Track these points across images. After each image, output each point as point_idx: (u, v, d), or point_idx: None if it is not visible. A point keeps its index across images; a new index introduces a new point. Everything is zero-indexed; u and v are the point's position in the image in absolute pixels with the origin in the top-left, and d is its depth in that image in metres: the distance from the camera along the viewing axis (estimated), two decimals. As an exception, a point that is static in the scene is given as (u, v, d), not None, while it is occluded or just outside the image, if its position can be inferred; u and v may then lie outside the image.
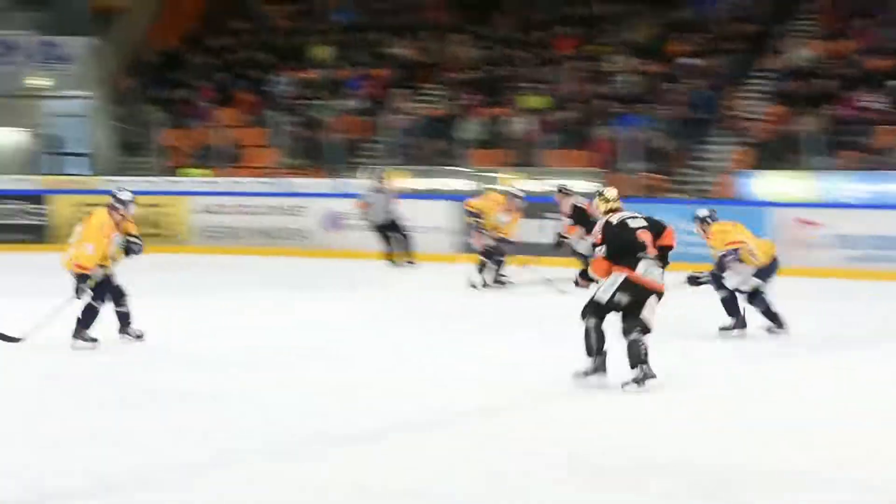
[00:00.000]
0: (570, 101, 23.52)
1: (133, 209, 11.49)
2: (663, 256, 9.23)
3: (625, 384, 8.99)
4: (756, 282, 11.82)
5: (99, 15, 30.77)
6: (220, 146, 24.76)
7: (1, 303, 13.86)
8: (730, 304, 11.94)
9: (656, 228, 9.27)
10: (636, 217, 9.31)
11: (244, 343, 11.62)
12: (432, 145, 23.63)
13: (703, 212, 12.26)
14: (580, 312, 9.15)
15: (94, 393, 9.34)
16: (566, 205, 15.88)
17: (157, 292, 14.45)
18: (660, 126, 22.06)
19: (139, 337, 11.58)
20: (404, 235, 19.10)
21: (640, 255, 9.07)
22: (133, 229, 11.51)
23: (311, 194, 21.71)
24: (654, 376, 9.02)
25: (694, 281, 11.93)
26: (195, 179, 23.99)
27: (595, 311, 9.10)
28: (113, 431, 7.95)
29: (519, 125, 23.25)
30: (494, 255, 16.06)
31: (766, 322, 11.90)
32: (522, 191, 17.06)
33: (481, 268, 16.10)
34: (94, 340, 11.25)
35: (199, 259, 20.59)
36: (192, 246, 22.17)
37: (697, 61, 23.32)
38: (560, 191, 16.14)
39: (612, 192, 9.62)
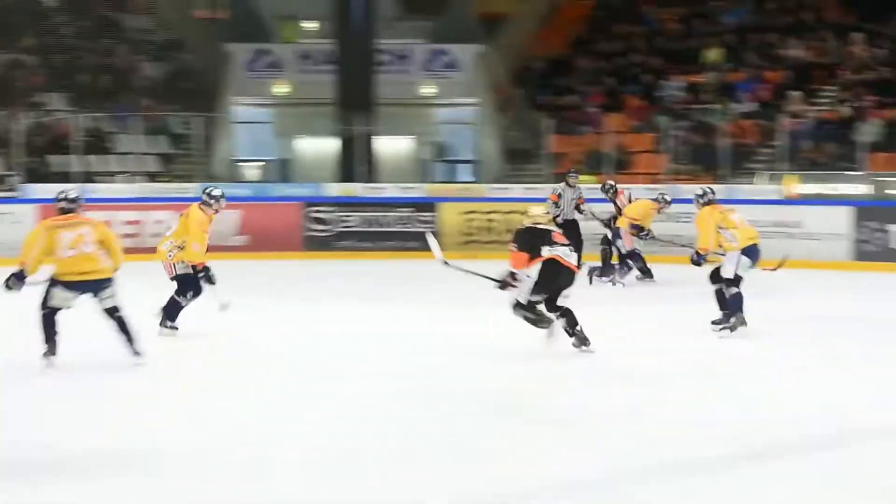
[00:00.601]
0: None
1: (224, 205, 12.90)
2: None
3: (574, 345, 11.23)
4: (748, 263, 12.59)
5: (486, 22, 31.75)
6: (608, 152, 25.08)
7: (394, 309, 14.60)
8: (721, 298, 12.68)
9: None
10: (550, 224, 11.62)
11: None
12: (828, 149, 23.26)
13: (698, 190, 13.31)
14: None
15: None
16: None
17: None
18: None
19: (174, 329, 12.65)
20: (579, 239, 19.58)
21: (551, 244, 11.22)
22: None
23: (702, 200, 21.70)
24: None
25: (697, 260, 12.86)
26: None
27: (519, 306, 11.30)
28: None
29: (920, 127, 22.67)
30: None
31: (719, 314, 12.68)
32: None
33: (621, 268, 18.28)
34: (175, 329, 12.61)
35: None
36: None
37: None
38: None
39: (536, 210, 11.57)
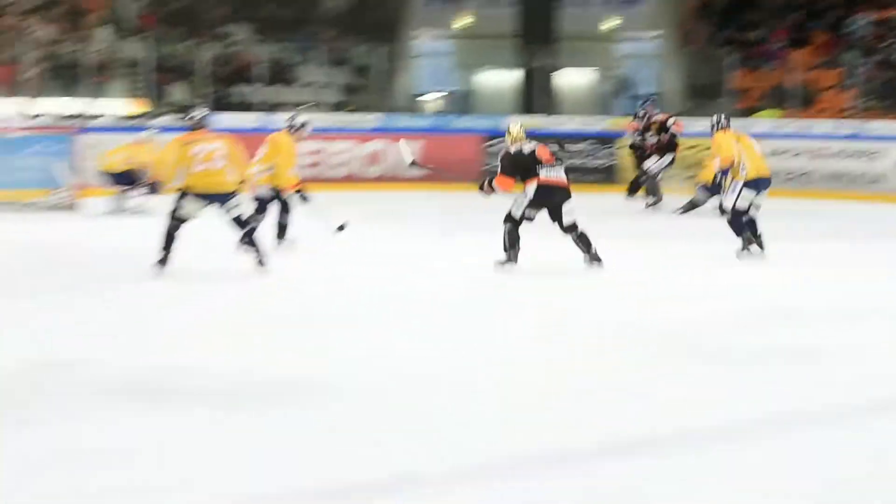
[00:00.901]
0: None
1: (308, 131, 13.85)
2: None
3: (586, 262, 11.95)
4: (751, 195, 12.87)
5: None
6: (792, 88, 24.73)
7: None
8: (735, 225, 12.98)
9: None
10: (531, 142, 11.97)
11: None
12: None
13: (715, 117, 13.60)
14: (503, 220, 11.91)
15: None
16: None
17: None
18: None
19: (292, 242, 13.53)
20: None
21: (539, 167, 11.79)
22: None
23: (888, 138, 21.34)
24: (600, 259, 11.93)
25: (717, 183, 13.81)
26: (766, 122, 24.10)
27: (511, 220, 11.87)
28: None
29: None
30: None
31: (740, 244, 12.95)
32: None
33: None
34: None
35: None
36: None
37: None
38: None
39: (515, 127, 12.14)
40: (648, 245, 14.56)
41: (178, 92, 24.87)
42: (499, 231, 11.83)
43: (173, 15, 27.25)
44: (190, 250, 11.63)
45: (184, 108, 23.19)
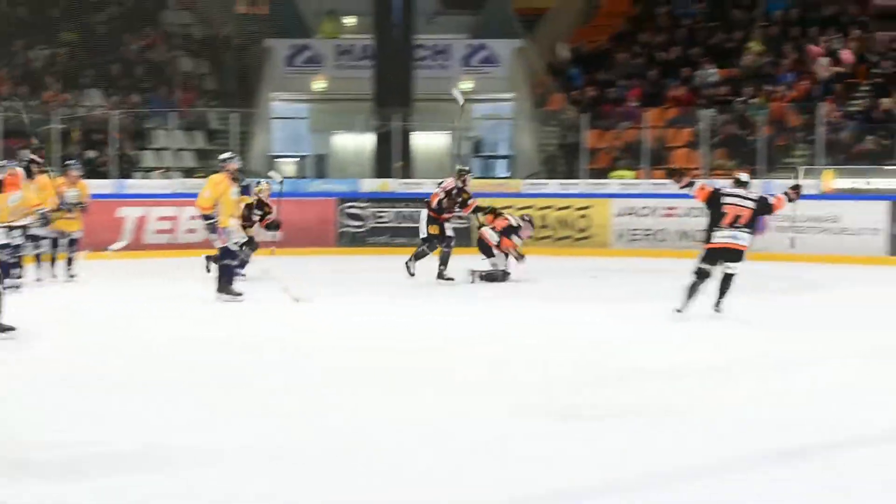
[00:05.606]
0: None
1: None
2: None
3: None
4: None
5: (525, 17, 31.55)
6: (646, 147, 24.88)
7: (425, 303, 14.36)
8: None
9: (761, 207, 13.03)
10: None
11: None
12: (868, 144, 23.05)
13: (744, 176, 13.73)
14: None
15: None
16: None
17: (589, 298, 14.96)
18: None
19: (239, 294, 14.21)
20: None
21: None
22: None
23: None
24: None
25: None
26: (620, 182, 24.22)
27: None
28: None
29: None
30: None
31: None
32: None
33: None
34: (240, 294, 14.15)
35: (620, 263, 20.87)
36: (614, 249, 22.54)
37: None
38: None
39: (743, 176, 13.53)
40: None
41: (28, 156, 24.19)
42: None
43: (25, 77, 26.64)
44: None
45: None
